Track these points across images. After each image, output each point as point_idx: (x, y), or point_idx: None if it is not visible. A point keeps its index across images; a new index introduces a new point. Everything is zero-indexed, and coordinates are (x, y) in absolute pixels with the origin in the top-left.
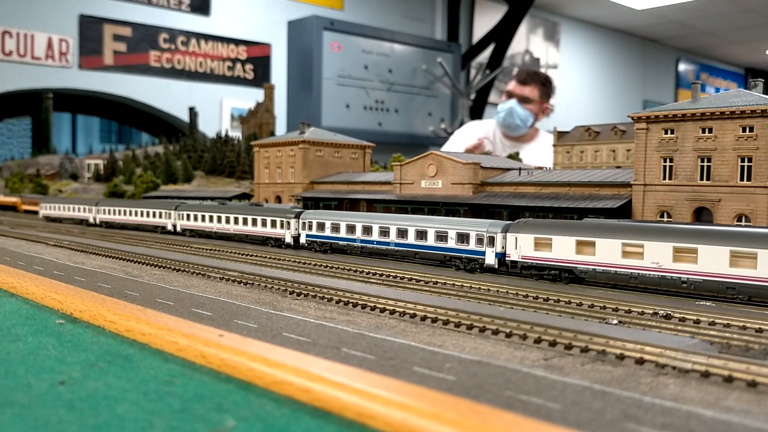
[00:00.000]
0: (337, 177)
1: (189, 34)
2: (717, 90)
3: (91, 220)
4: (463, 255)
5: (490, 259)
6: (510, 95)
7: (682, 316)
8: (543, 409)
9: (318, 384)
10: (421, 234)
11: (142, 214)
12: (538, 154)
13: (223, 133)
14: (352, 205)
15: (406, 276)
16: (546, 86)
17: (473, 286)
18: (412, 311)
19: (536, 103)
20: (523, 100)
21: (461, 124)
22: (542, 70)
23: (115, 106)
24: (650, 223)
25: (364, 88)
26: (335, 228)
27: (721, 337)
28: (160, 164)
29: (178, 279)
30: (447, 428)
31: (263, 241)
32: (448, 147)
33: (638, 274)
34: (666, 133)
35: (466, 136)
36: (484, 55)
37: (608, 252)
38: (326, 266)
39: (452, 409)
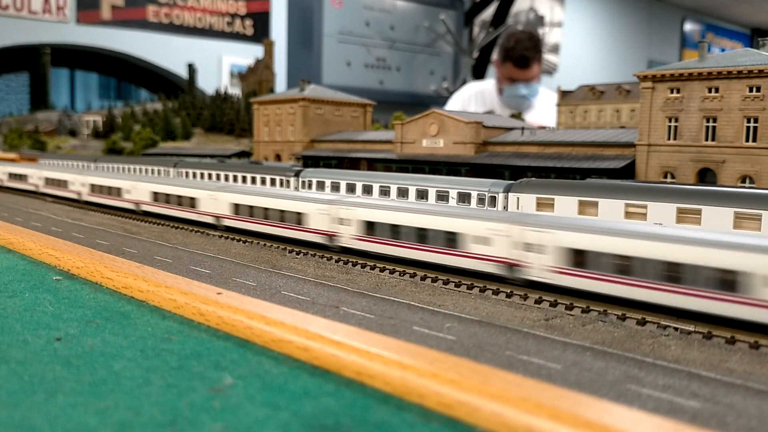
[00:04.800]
0: (337, 135)
1: None
2: (722, 50)
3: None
4: None
5: None
6: (513, 80)
7: None
8: (543, 369)
9: (317, 342)
10: (422, 193)
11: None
12: (539, 111)
13: (223, 90)
14: (353, 164)
15: None
16: (540, 50)
17: None
18: (411, 271)
19: (537, 70)
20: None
21: (464, 82)
22: (546, 29)
23: (114, 61)
24: (654, 183)
25: (365, 46)
26: (335, 187)
27: None
28: (159, 121)
29: (176, 237)
30: (446, 388)
31: None
32: (448, 108)
33: None
34: (672, 92)
35: (464, 98)
36: (488, 13)
37: (611, 212)
38: None
39: (452, 368)
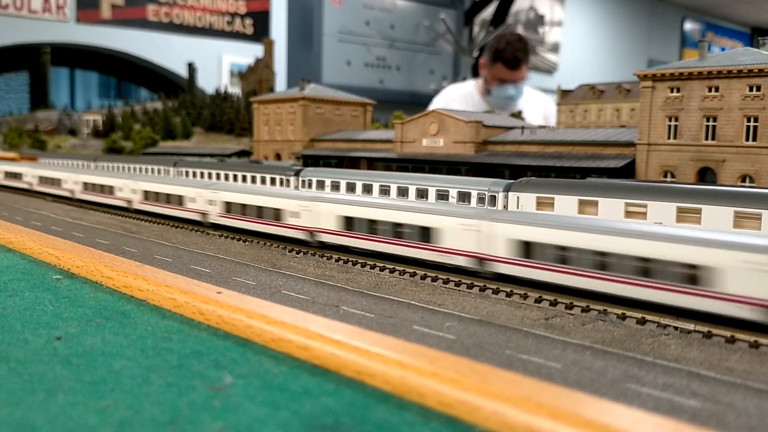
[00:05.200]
0: (337, 135)
1: None
2: (722, 49)
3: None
4: None
5: None
6: (502, 80)
7: None
8: (543, 368)
9: (317, 342)
10: (422, 193)
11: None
12: (526, 111)
13: (223, 90)
14: (353, 163)
15: None
16: (529, 52)
17: None
18: (411, 270)
19: (525, 71)
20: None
21: (463, 81)
22: (546, 28)
23: (114, 61)
24: (654, 183)
25: (365, 45)
26: (335, 186)
27: None
28: (159, 120)
29: (176, 236)
30: (446, 387)
31: None
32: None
33: None
34: (672, 91)
35: (445, 100)
36: (488, 12)
37: (611, 212)
38: None
39: (452, 368)
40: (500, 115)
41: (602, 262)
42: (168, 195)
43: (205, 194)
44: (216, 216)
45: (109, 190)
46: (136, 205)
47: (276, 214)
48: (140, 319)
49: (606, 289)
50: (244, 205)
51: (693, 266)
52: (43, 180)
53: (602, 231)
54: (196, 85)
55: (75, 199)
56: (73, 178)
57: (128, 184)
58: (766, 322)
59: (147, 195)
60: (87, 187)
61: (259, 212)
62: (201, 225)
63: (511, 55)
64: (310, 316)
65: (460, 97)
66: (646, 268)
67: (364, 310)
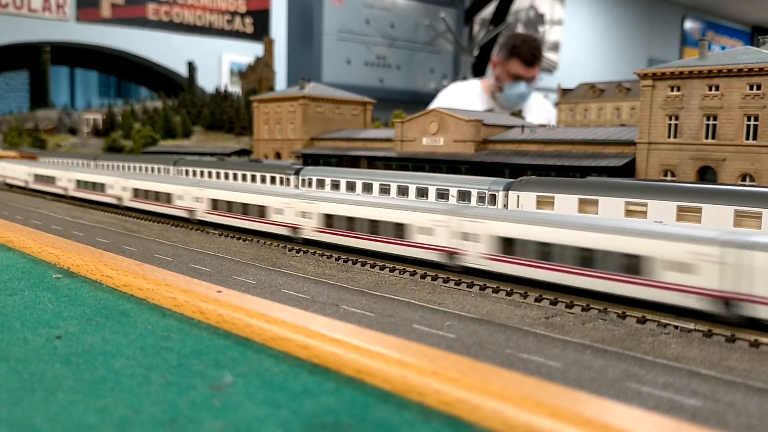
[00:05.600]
0: (337, 134)
1: None
2: (723, 48)
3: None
4: None
5: None
6: (517, 77)
7: None
8: (543, 367)
9: (317, 341)
10: (422, 192)
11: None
12: (534, 112)
13: (223, 88)
14: (353, 162)
15: None
16: (542, 52)
17: None
18: (412, 269)
19: (537, 71)
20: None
21: (464, 80)
22: (546, 27)
23: (114, 59)
24: (654, 182)
25: (365, 44)
26: (335, 185)
27: None
28: (159, 119)
29: (176, 235)
30: (447, 386)
31: None
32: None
33: None
34: (672, 90)
35: (450, 100)
36: (488, 11)
37: (611, 211)
38: None
39: (452, 367)
40: (501, 114)
41: (549, 252)
42: (157, 192)
43: (192, 191)
44: (203, 213)
45: (100, 187)
46: (126, 203)
47: (260, 211)
48: (140, 318)
49: (551, 279)
50: (229, 203)
51: (634, 256)
52: (39, 178)
53: (548, 224)
54: (196, 84)
55: (68, 196)
56: (66, 176)
57: (118, 181)
58: (712, 312)
59: (137, 193)
60: (79, 184)
61: (244, 209)
62: (189, 222)
63: (528, 52)
64: (310, 315)
65: (464, 95)
66: (588, 258)
67: (364, 309)
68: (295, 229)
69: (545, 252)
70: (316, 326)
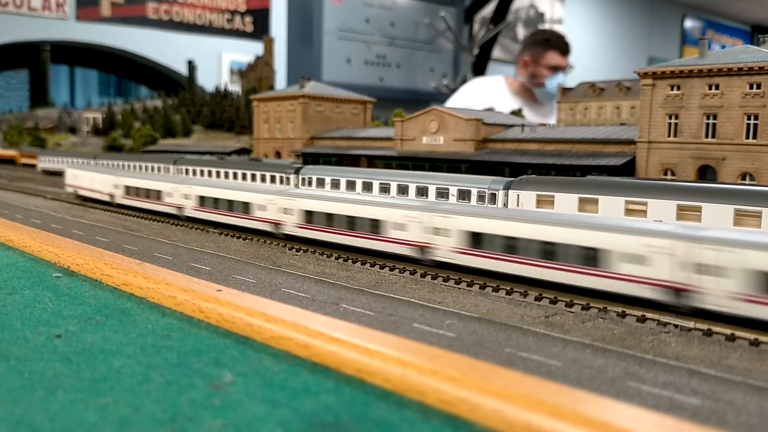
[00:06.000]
0: (337, 132)
1: None
2: (723, 47)
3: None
4: None
5: None
6: (556, 68)
7: None
8: (543, 366)
9: (317, 339)
10: (422, 191)
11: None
12: (540, 110)
13: (222, 87)
14: (353, 161)
15: None
16: None
17: None
18: (412, 268)
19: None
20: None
21: (464, 80)
22: (546, 26)
23: (113, 58)
24: (654, 180)
25: (365, 43)
26: (335, 184)
27: None
28: (159, 118)
29: (176, 234)
30: (446, 385)
31: None
32: (451, 104)
33: None
34: (672, 89)
35: (473, 96)
36: (488, 10)
37: (611, 209)
38: None
39: (452, 365)
40: (501, 113)
41: (514, 246)
42: (147, 190)
43: (181, 189)
44: (191, 209)
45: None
46: (119, 200)
47: (245, 208)
48: (140, 317)
49: (516, 271)
50: (216, 199)
51: (592, 249)
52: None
53: (512, 219)
54: (196, 83)
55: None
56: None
57: (110, 179)
58: (664, 301)
59: (128, 190)
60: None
61: (230, 206)
62: (178, 218)
63: (561, 42)
64: (310, 314)
65: (491, 92)
66: (550, 252)
67: (364, 308)
68: (277, 225)
69: (511, 246)
70: (316, 325)
